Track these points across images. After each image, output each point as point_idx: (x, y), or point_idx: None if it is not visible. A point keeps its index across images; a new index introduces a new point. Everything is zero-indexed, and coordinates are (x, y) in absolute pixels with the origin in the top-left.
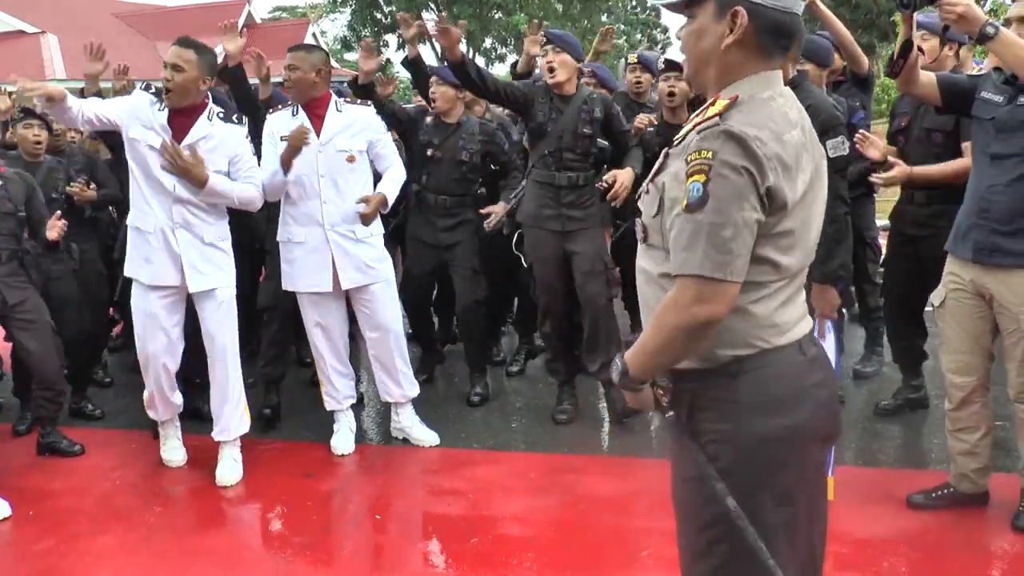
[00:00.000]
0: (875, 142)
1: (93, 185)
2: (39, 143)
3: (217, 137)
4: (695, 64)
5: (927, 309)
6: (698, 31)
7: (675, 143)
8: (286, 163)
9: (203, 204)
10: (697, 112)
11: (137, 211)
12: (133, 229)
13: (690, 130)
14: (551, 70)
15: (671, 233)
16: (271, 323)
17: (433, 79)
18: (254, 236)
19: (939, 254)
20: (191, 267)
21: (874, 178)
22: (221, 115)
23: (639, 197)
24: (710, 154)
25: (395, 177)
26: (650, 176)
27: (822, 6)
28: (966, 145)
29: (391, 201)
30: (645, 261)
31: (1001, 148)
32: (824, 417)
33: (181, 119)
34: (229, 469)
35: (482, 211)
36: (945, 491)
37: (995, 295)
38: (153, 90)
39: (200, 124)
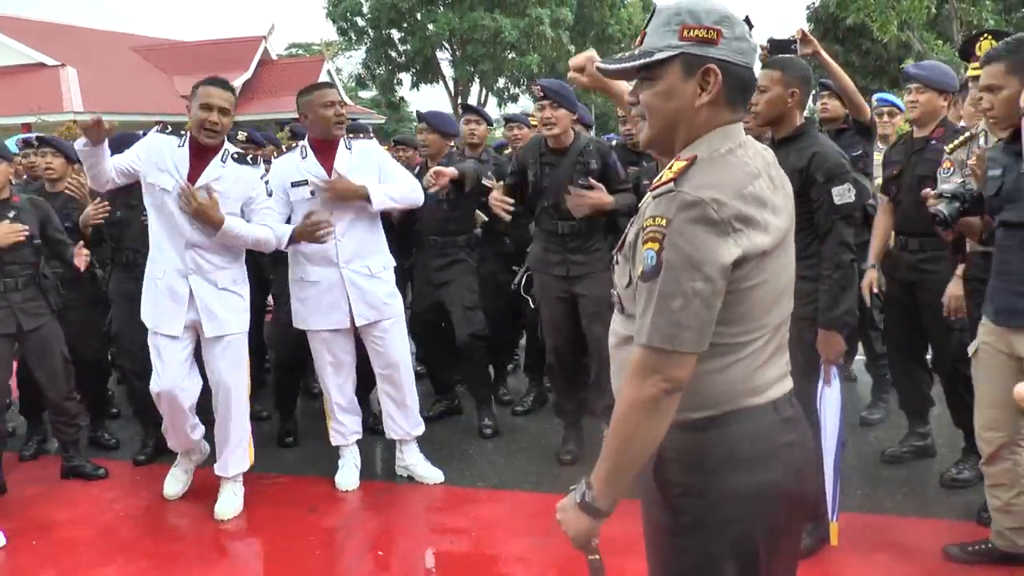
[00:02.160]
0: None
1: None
2: (51, 169)
3: (230, 178)
4: (663, 126)
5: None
6: (666, 92)
7: (640, 209)
8: (297, 241)
9: (217, 249)
10: (659, 175)
11: (151, 259)
12: (149, 278)
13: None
14: (549, 125)
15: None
16: (278, 359)
17: (422, 126)
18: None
19: (933, 300)
20: (206, 311)
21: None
22: (235, 156)
23: (612, 268)
24: (664, 221)
25: (401, 180)
26: (618, 245)
27: (825, 54)
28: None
29: (373, 198)
30: (619, 324)
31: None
32: (796, 478)
33: (198, 160)
34: (228, 503)
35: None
36: (982, 546)
37: (1021, 354)
38: (170, 130)
39: (213, 166)
